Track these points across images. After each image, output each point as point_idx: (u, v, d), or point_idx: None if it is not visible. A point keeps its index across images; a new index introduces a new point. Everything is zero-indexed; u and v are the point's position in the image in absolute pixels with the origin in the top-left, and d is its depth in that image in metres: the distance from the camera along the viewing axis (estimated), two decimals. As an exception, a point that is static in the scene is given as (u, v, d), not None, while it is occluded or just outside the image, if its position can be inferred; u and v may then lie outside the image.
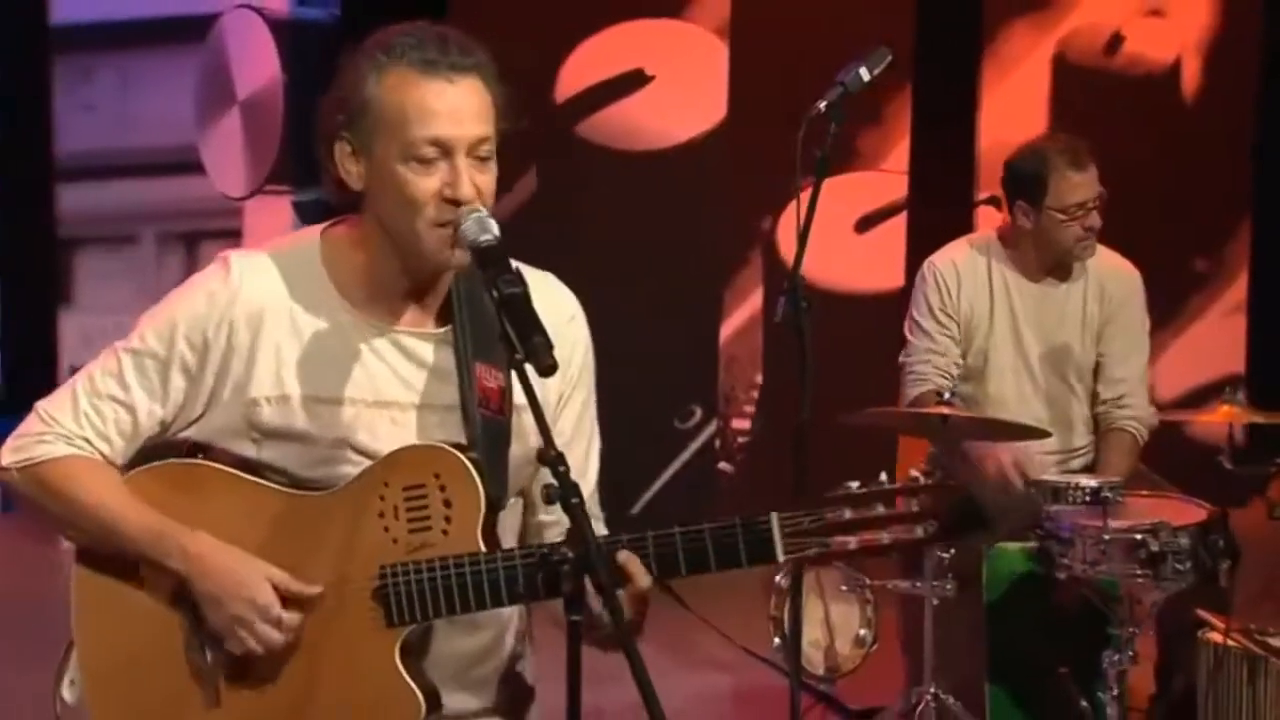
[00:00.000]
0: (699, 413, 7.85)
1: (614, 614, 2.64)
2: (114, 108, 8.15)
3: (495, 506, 2.85)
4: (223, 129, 8.32)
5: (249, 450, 2.94)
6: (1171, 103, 8.01)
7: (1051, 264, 5.51)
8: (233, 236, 8.36)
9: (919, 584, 5.28)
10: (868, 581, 5.69)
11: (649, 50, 7.73)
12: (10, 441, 2.99)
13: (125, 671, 3.00)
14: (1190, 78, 8.24)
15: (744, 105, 7.92)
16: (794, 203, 8.07)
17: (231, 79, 8.23)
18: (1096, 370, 5.58)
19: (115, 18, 8.10)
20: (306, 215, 8.09)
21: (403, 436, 2.91)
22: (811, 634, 5.81)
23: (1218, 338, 8.18)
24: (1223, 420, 5.22)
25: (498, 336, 2.69)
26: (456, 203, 2.79)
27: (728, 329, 8.25)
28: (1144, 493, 5.32)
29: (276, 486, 2.94)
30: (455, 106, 2.81)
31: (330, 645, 2.91)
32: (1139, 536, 4.87)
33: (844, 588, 5.78)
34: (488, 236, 2.74)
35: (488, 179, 2.84)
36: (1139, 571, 4.88)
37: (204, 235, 8.41)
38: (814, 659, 5.81)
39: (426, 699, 2.87)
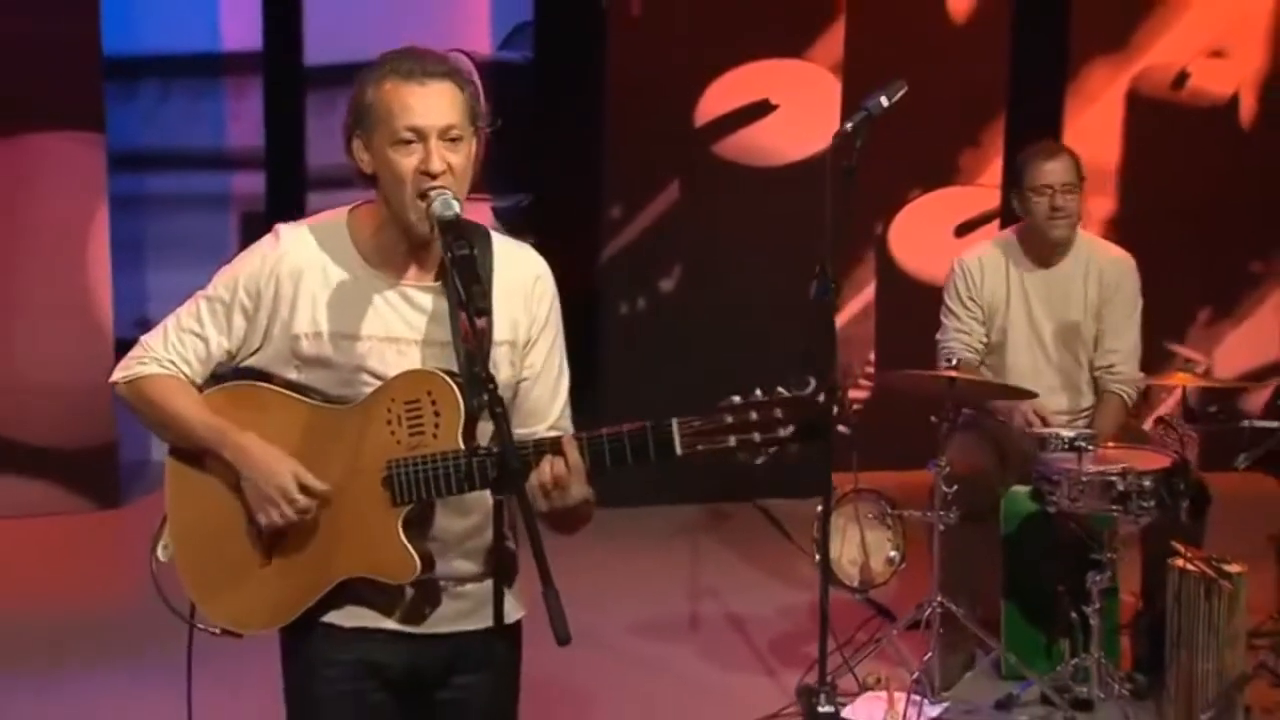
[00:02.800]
0: (812, 383, 7.96)
1: (520, 498, 2.81)
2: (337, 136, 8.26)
3: (473, 417, 2.94)
4: None
5: (292, 374, 3.09)
6: (1230, 131, 7.92)
7: (1045, 246, 5.60)
8: None
9: (928, 513, 5.39)
10: (890, 510, 5.88)
11: (774, 84, 7.67)
12: (120, 363, 3.17)
13: (201, 537, 3.15)
14: (1247, 109, 8.16)
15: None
16: (904, 208, 8.31)
17: None
18: (1095, 342, 5.65)
19: (354, 60, 8.17)
20: (504, 218, 8.30)
21: (407, 365, 3.03)
22: (850, 554, 5.93)
23: (1270, 329, 8.16)
24: (1178, 384, 5.45)
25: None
26: (430, 174, 2.92)
27: (846, 315, 8.15)
28: (1113, 444, 5.37)
29: (312, 402, 3.08)
30: (426, 103, 2.95)
31: (350, 519, 3.04)
32: (1110, 479, 5.09)
33: (872, 516, 5.97)
34: (449, 212, 2.89)
35: (458, 158, 2.97)
36: (1111, 507, 5.11)
37: None
38: (851, 574, 5.93)
39: (422, 559, 2.99)
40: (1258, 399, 7.51)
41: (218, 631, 3.12)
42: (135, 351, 3.14)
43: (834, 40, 7.76)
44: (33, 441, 7.31)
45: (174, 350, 3.11)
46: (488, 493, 2.97)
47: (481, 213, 8.24)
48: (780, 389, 2.83)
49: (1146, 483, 5.06)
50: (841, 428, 7.26)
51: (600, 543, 7.03)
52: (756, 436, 2.82)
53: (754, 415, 2.82)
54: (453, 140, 2.96)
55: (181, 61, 7.98)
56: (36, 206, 7.36)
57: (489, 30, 8.26)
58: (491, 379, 2.87)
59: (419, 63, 2.98)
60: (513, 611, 3.10)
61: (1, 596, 6.43)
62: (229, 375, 3.13)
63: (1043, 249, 5.62)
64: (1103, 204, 8.22)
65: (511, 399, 3.08)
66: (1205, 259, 8.13)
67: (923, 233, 7.96)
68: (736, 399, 2.83)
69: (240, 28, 8.02)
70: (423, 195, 2.91)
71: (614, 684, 5.69)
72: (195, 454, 3.12)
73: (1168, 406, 7.76)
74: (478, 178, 9.14)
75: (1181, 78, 7.98)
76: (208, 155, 8.18)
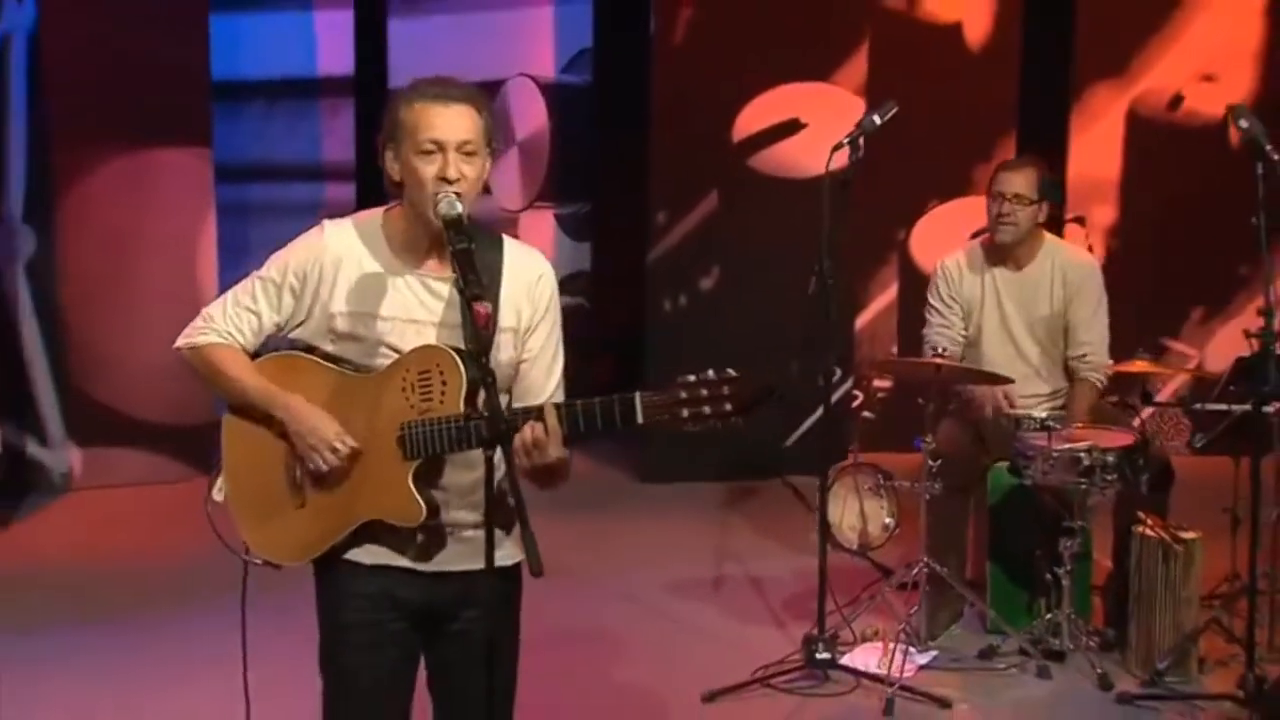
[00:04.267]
0: (839, 372, 7.81)
1: (505, 455, 2.89)
2: None
3: (474, 387, 3.00)
4: (505, 162, 8.38)
5: (328, 346, 3.18)
6: (1221, 148, 7.75)
7: (1000, 248, 5.60)
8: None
9: (916, 484, 5.46)
10: (884, 481, 6.02)
11: (804, 105, 7.70)
12: (185, 331, 3.26)
13: (249, 481, 3.27)
14: (1235, 129, 8.20)
15: (874, 145, 7.88)
16: (924, 217, 8.35)
17: (513, 126, 8.36)
18: (1067, 335, 5.61)
19: None
20: (564, 224, 8.46)
21: (421, 342, 3.11)
22: (850, 520, 6.07)
23: (1256, 324, 8.13)
24: (1137, 370, 5.48)
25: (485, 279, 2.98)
26: (447, 180, 3.01)
27: (871, 311, 8.25)
28: (1083, 425, 5.37)
29: (342, 370, 3.17)
30: (448, 120, 3.04)
31: (369, 470, 3.13)
32: (1077, 454, 5.12)
33: (868, 487, 6.10)
34: (453, 211, 2.97)
35: (471, 169, 3.05)
36: (1078, 479, 5.13)
37: None
38: (850, 538, 6.10)
39: (427, 506, 3.08)
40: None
41: (259, 562, 3.23)
42: (198, 321, 3.25)
43: (858, 66, 7.83)
44: (151, 419, 7.46)
45: (231, 323, 3.21)
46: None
47: (545, 219, 8.53)
48: (728, 370, 2.90)
49: (1110, 458, 5.13)
50: (867, 414, 7.38)
51: (643, 514, 7.31)
52: (705, 409, 2.89)
53: (703, 392, 2.89)
54: (468, 154, 3.05)
55: (281, 85, 8.10)
56: (154, 212, 7.48)
57: (553, 56, 8.35)
58: (485, 355, 2.93)
59: (444, 88, 3.09)
60: (511, 555, 3.18)
61: (123, 550, 6.61)
62: (278, 346, 3.23)
63: (1001, 251, 5.63)
64: (1106, 212, 8.30)
65: (514, 376, 3.17)
66: (1198, 263, 8.14)
67: (940, 239, 7.97)
68: (691, 377, 2.91)
69: (334, 55, 8.16)
70: (436, 196, 3.00)
71: (645, 634, 5.74)
72: (247, 412, 3.22)
73: (1163, 395, 7.87)
74: (544, 188, 9.18)
75: (1177, 100, 8.00)
76: (304, 168, 8.31)
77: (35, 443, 7.59)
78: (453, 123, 3.04)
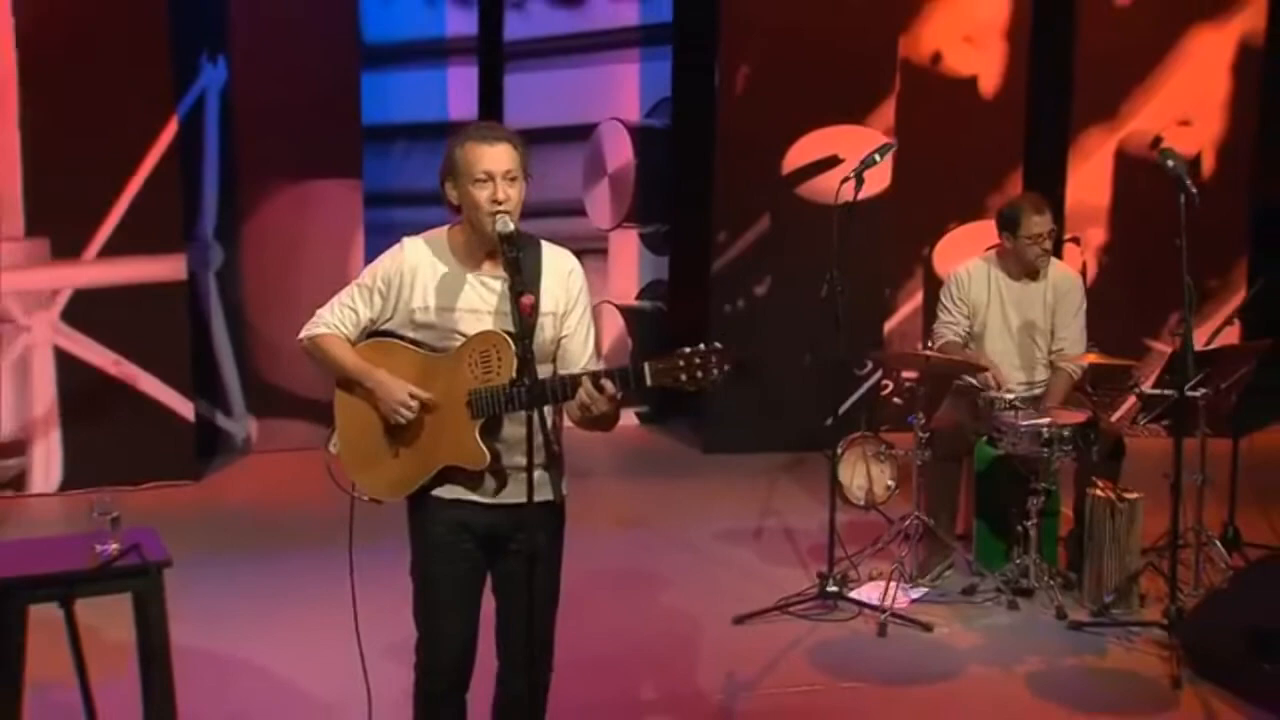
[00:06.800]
0: (869, 365, 7.94)
1: (541, 415, 3.04)
2: (536, 179, 8.10)
3: (524, 361, 3.09)
4: (598, 189, 8.40)
5: (410, 334, 3.29)
6: (1196, 180, 7.34)
7: (1023, 270, 5.69)
8: (602, 254, 8.42)
9: (909, 452, 5.60)
10: (884, 450, 6.22)
11: (842, 143, 7.65)
12: (304, 327, 3.40)
13: (355, 436, 3.37)
14: (1208, 165, 8.12)
15: (903, 177, 7.81)
16: (945, 236, 8.40)
17: (604, 160, 8.36)
18: (1051, 334, 5.68)
19: (541, 125, 7.97)
20: (646, 241, 8.43)
21: (482, 328, 3.23)
22: (858, 481, 6.17)
23: (1230, 333, 7.79)
24: (1089, 361, 5.56)
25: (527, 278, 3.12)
26: (497, 202, 3.15)
27: (899, 316, 8.21)
28: (1054, 406, 5.49)
29: (422, 351, 3.28)
30: (495, 156, 3.18)
31: (445, 427, 3.25)
32: (1038, 429, 5.26)
33: (873, 454, 6.25)
34: (506, 229, 3.11)
35: (515, 191, 3.17)
36: (1040, 449, 5.28)
37: (586, 252, 7.98)
38: (858, 496, 6.21)
39: (491, 453, 3.21)
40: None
41: (366, 499, 3.35)
42: (313, 320, 3.40)
43: (887, 111, 7.85)
44: (311, 395, 7.34)
45: (336, 318, 3.36)
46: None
47: (631, 237, 8.51)
48: (715, 344, 3.02)
49: (1065, 432, 5.28)
50: (897, 400, 7.57)
51: (704, 480, 7.45)
52: (699, 374, 3.00)
53: (697, 360, 3.01)
54: (511, 180, 3.18)
55: (418, 127, 8.04)
56: (315, 231, 7.54)
57: (638, 104, 8.32)
58: (529, 337, 3.06)
59: (490, 131, 3.24)
60: (558, 491, 3.29)
61: (287, 501, 6.69)
62: (372, 334, 3.37)
63: (1020, 269, 5.68)
64: (1098, 233, 8.25)
65: (556, 350, 3.29)
66: (1174, 276, 8.02)
67: (958, 255, 7.63)
68: (688, 349, 3.02)
69: (461, 102, 8.11)
70: (492, 215, 3.16)
71: (695, 572, 5.88)
72: (350, 384, 3.36)
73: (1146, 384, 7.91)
74: (630, 212, 9.21)
75: (1157, 140, 7.89)
76: (435, 195, 7.50)
77: (222, 414, 7.73)
78: (498, 157, 3.18)
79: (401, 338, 3.33)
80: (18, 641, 3.49)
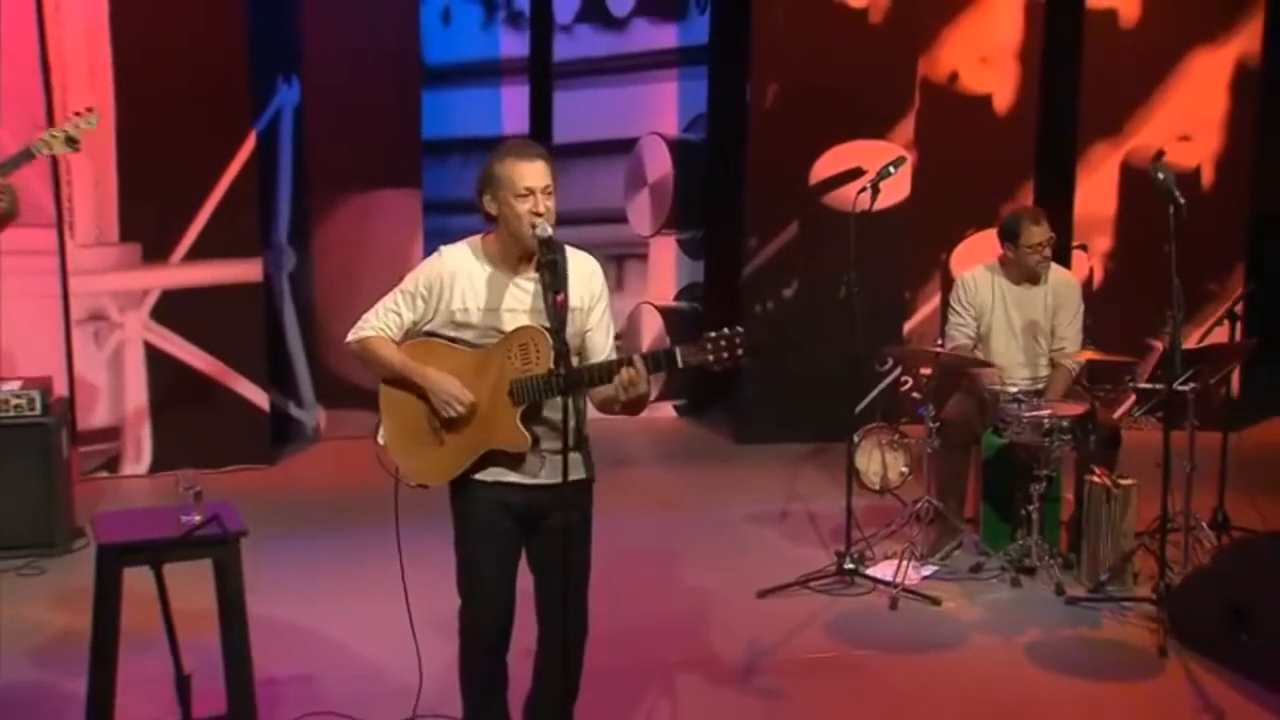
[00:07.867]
0: (890, 362, 7.94)
1: (574, 400, 3.10)
2: (582, 189, 8.04)
3: (559, 354, 3.16)
4: (639, 199, 8.43)
5: (451, 333, 3.36)
6: (1195, 192, 7.73)
7: (1025, 276, 5.71)
8: (642, 259, 8.46)
9: (919, 442, 5.64)
10: (898, 439, 6.27)
11: (865, 156, 7.60)
12: (352, 330, 3.46)
13: (403, 428, 3.41)
14: (1207, 177, 8.08)
15: (922, 187, 7.86)
16: (961, 243, 8.42)
17: (645, 171, 8.37)
18: (1051, 333, 5.70)
19: (586, 139, 8.13)
20: (683, 247, 8.45)
21: (520, 325, 3.30)
22: (874, 468, 6.22)
23: (1220, 333, 7.84)
24: (1086, 358, 5.58)
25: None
26: (537, 214, 3.23)
27: (918, 316, 8.22)
28: (1056, 400, 5.52)
29: (463, 348, 3.35)
30: (534, 171, 3.25)
31: (489, 414, 3.32)
32: (1040, 420, 5.31)
33: (887, 442, 6.21)
34: (545, 234, 3.20)
35: (551, 202, 3.25)
36: (1042, 439, 5.32)
37: (627, 256, 8.46)
38: (874, 481, 6.25)
39: (531, 436, 3.29)
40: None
41: (413, 484, 3.42)
42: (359, 323, 3.45)
43: (907, 126, 7.85)
44: (369, 387, 7.52)
45: (382, 321, 3.42)
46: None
47: (669, 243, 8.54)
48: (738, 328, 3.12)
49: (1064, 423, 5.33)
50: (916, 394, 7.60)
51: (736, 467, 7.46)
52: (725, 355, 3.10)
53: (722, 342, 3.11)
54: (549, 193, 3.27)
55: (474, 141, 8.05)
56: (379, 236, 7.54)
57: (676, 119, 8.34)
58: (563, 330, 3.14)
59: (527, 148, 3.32)
60: (588, 471, 3.39)
61: (352, 484, 6.56)
62: (416, 334, 3.42)
63: (1021, 275, 5.70)
64: (1104, 241, 8.24)
65: (581, 342, 3.38)
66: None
67: (974, 260, 7.27)
68: (713, 333, 3.12)
69: (514, 118, 8.14)
70: (532, 224, 3.24)
71: (723, 550, 5.94)
72: (397, 381, 3.41)
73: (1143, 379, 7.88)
74: (669, 219, 9.18)
75: (1159, 154, 7.85)
76: None
77: (294, 404, 7.81)
78: (537, 173, 3.27)
79: (443, 337, 3.40)
80: (114, 600, 3.67)
